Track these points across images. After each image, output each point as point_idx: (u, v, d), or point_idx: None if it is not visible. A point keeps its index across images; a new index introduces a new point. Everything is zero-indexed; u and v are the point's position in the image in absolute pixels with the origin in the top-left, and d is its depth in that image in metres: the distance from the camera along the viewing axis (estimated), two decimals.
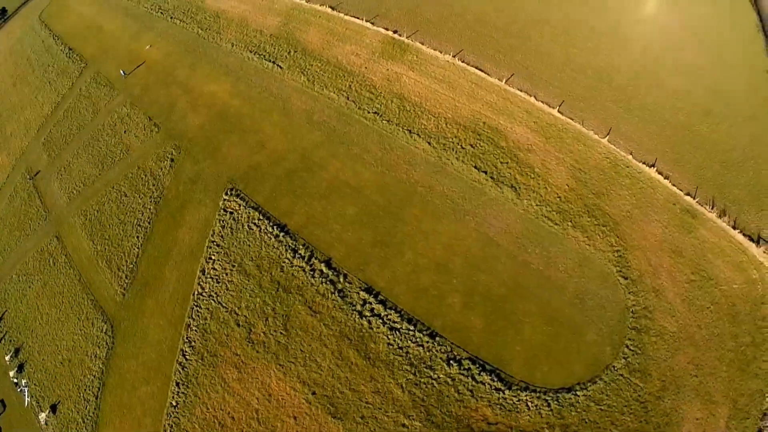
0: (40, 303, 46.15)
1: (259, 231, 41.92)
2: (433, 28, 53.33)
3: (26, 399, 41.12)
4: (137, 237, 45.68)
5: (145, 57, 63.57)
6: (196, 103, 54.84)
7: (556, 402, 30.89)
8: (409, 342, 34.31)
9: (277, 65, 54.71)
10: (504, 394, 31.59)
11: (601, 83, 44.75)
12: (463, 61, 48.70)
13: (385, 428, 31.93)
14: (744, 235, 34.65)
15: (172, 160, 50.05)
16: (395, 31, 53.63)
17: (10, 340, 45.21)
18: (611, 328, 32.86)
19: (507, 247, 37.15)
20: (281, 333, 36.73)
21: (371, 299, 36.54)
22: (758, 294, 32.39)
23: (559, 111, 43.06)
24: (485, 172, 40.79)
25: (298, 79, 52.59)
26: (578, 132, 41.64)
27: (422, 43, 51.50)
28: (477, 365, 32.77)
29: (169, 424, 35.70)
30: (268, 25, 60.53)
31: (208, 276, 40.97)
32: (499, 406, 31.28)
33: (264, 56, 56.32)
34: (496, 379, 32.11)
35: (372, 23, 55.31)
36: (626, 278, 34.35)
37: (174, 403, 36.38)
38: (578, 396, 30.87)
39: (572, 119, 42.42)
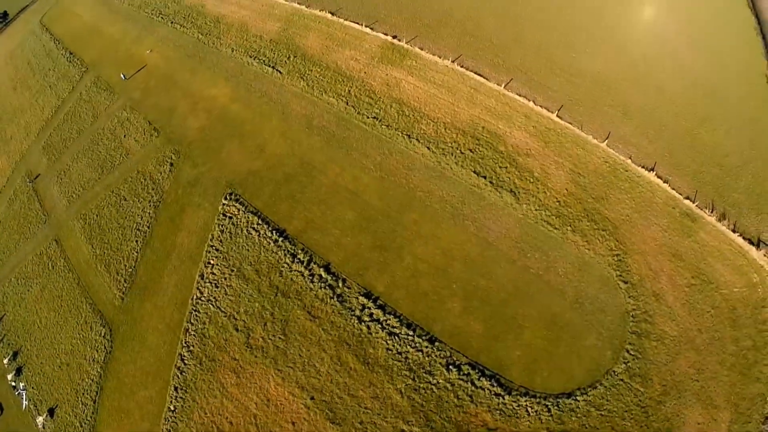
0: (39, 306, 46.01)
1: (258, 235, 41.87)
2: (432, 34, 53.52)
3: (24, 402, 40.93)
4: (136, 241, 45.61)
5: (145, 61, 63.75)
6: (195, 107, 54.94)
7: (556, 407, 30.71)
8: (408, 347, 34.17)
9: (277, 70, 54.87)
10: (504, 399, 31.42)
11: (600, 87, 44.87)
12: (462, 66, 48.84)
13: None
14: (744, 238, 34.59)
15: (171, 164, 50.07)
16: (394, 37, 53.82)
17: (9, 344, 45.04)
18: (611, 332, 32.74)
19: (506, 251, 37.09)
20: (280, 338, 36.60)
21: (370, 304, 36.43)
22: (759, 297, 32.29)
23: (557, 115, 43.14)
24: (484, 177, 40.78)
25: (298, 84, 52.72)
26: (577, 136, 41.69)
27: (421, 49, 51.66)
28: (476, 370, 32.62)
29: (167, 429, 35.46)
30: (267, 30, 60.75)
31: (207, 280, 40.87)
32: (498, 412, 31.11)
33: (264, 61, 56.50)
34: (495, 384, 31.94)
35: (371, 28, 55.52)
36: (626, 282, 34.26)
37: (172, 408, 36.19)
38: (578, 401, 30.69)
39: (571, 123, 42.47)
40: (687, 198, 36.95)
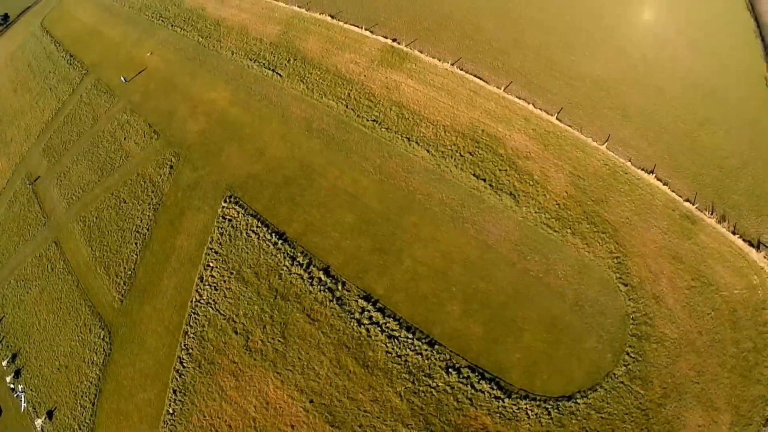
0: (38, 308, 45.96)
1: (258, 238, 41.83)
2: (432, 37, 53.63)
3: (23, 404, 40.84)
4: (136, 243, 45.58)
5: (145, 64, 63.85)
6: (195, 110, 55.00)
7: (556, 410, 30.62)
8: (407, 350, 34.09)
9: (277, 73, 54.95)
10: (504, 402, 31.32)
11: (600, 90, 44.92)
12: (461, 69, 48.92)
13: None
14: (744, 240, 34.61)
15: (171, 167, 50.09)
16: (394, 40, 53.92)
17: (8, 346, 44.97)
18: (611, 335, 32.67)
19: (506, 254, 37.04)
20: (279, 341, 36.50)
21: (369, 307, 36.37)
22: (759, 299, 32.27)
23: (557, 118, 43.16)
24: (484, 180, 40.78)
25: (298, 87, 52.79)
26: (577, 139, 41.71)
27: (421, 52, 51.75)
28: (476, 373, 32.53)
29: None
30: (267, 33, 60.88)
31: (206, 283, 40.81)
32: (498, 415, 31.00)
33: (264, 64, 56.59)
34: (495, 388, 31.86)
35: (371, 32, 55.63)
36: (626, 285, 34.21)
37: (171, 411, 36.07)
38: (579, 404, 30.60)
39: (571, 126, 42.51)
40: (687, 200, 36.96)
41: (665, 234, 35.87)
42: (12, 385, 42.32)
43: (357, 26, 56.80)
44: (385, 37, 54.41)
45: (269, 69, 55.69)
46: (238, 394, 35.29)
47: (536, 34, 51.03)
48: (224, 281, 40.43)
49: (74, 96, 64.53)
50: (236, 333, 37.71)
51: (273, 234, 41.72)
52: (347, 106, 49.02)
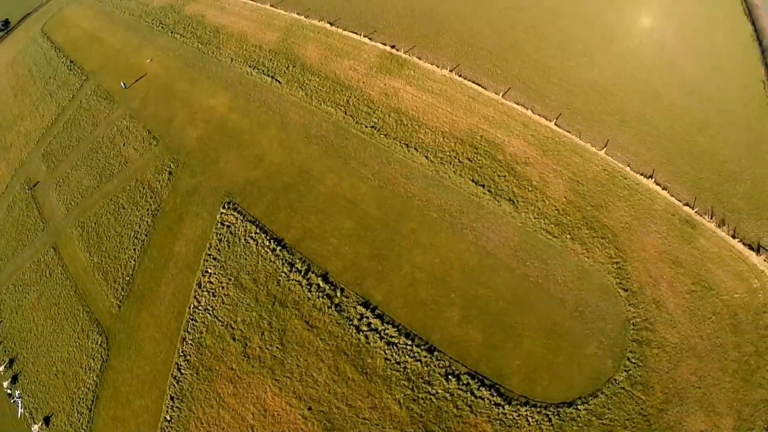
0: (36, 314, 45.66)
1: (256, 245, 41.71)
2: (431, 43, 53.91)
3: (19, 410, 40.48)
4: (134, 249, 45.42)
5: (145, 70, 64.04)
6: (195, 116, 55.06)
7: (557, 416, 30.38)
8: (406, 357, 33.87)
9: (276, 80, 55.11)
10: (504, 409, 31.08)
11: (598, 96, 45.08)
12: (460, 76, 49.12)
13: None
14: (744, 244, 34.62)
15: (170, 173, 50.05)
16: (393, 46, 54.18)
17: (5, 351, 44.61)
18: (612, 340, 32.51)
19: (505, 260, 36.94)
20: (277, 347, 36.27)
21: (368, 313, 36.18)
22: (760, 303, 32.20)
23: (556, 124, 43.26)
24: (483, 186, 40.77)
25: (297, 93, 52.92)
26: (575, 144, 41.77)
27: (419, 58, 51.99)
28: (476, 380, 32.31)
29: None
30: (267, 40, 61.15)
31: (205, 289, 40.63)
32: (498, 422, 30.74)
33: (263, 71, 56.77)
34: (495, 394, 31.63)
35: (370, 38, 55.90)
36: (626, 290, 34.11)
37: (168, 418, 35.74)
38: (579, 410, 30.38)
39: (569, 132, 42.62)
40: (686, 204, 36.97)
41: (665, 238, 35.82)
42: (9, 391, 41.98)
43: (356, 33, 57.09)
44: (384, 44, 54.68)
45: (268, 76, 55.87)
46: (236, 401, 35.00)
47: (534, 40, 51.30)
48: (222, 287, 40.25)
49: (74, 102, 64.62)
50: (234, 339, 37.48)
51: (271, 240, 41.60)
52: (346, 113, 49.11)
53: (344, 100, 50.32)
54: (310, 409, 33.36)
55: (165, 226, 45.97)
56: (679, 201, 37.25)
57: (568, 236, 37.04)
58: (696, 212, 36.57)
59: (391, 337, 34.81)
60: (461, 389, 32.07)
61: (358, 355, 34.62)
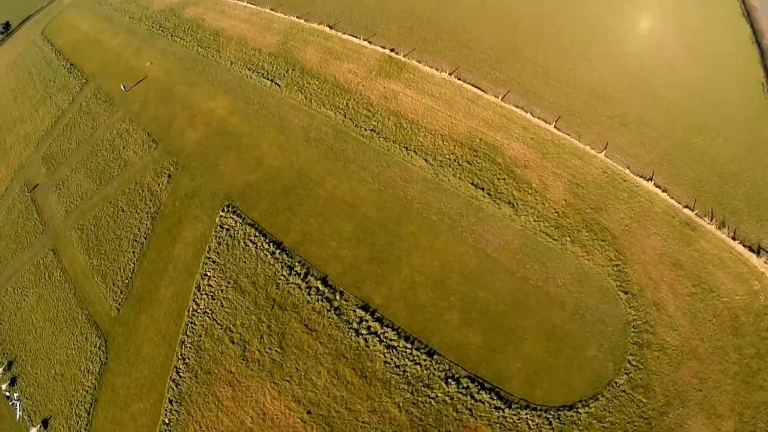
0: (35, 316, 45.54)
1: (255, 248, 41.63)
2: (430, 47, 54.01)
3: (18, 413, 40.29)
4: (133, 252, 45.34)
5: (145, 73, 64.14)
6: (194, 119, 55.11)
7: (557, 420, 30.22)
8: (406, 360, 33.73)
9: (275, 83, 55.18)
10: (504, 412, 30.92)
11: (597, 98, 45.12)
12: (459, 79, 49.19)
13: None
14: (744, 245, 34.55)
15: (169, 175, 50.03)
16: (392, 50, 54.28)
17: (4, 353, 44.44)
18: (612, 343, 32.38)
19: (505, 263, 36.85)
20: (276, 351, 36.13)
21: (368, 317, 36.06)
22: (760, 305, 32.10)
23: (555, 127, 43.27)
24: (482, 189, 40.73)
25: (296, 96, 52.98)
26: (575, 147, 41.77)
27: (419, 62, 52.09)
28: (476, 383, 32.15)
29: None
30: (266, 43, 61.28)
31: (204, 292, 40.52)
32: (499, 425, 30.58)
33: (262, 74, 56.87)
34: (495, 398, 31.47)
35: (369, 42, 56.03)
36: (626, 292, 34.01)
37: (167, 421, 35.55)
38: (580, 413, 30.23)
39: (569, 134, 42.62)
40: (686, 207, 36.92)
41: (665, 241, 35.76)
42: (7, 393, 41.81)
43: (355, 36, 57.22)
44: (383, 48, 54.80)
45: (268, 79, 55.96)
46: (235, 405, 34.84)
47: (533, 43, 51.40)
48: (221, 290, 40.14)
49: (74, 104, 64.70)
50: (233, 343, 37.35)
51: (271, 243, 41.53)
52: (345, 116, 49.15)
53: (344, 104, 50.37)
54: (309, 412, 33.20)
55: (164, 229, 45.91)
56: (679, 203, 37.21)
57: (568, 239, 36.97)
58: (696, 214, 36.52)
59: (391, 340, 34.68)
60: (461, 392, 31.92)
61: (357, 359, 34.48)
